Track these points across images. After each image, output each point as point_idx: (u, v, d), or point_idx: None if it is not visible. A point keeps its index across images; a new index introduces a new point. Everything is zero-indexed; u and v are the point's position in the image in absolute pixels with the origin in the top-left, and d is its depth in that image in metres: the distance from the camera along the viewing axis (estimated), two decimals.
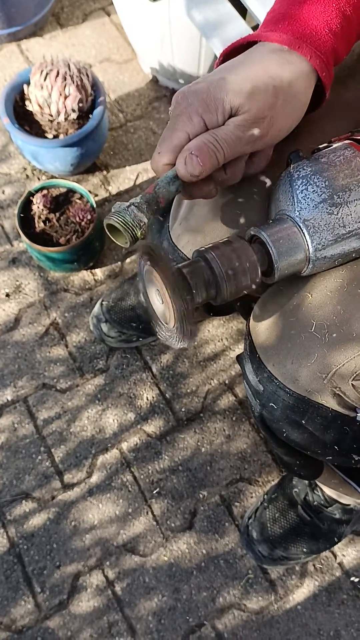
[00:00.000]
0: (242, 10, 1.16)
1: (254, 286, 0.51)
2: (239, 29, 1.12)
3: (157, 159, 0.53)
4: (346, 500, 1.00)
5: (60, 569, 1.08)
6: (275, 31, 0.53)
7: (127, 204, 0.51)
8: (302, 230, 0.50)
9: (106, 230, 0.52)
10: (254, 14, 1.05)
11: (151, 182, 1.43)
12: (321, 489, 1.03)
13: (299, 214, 0.50)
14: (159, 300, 0.49)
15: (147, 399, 1.21)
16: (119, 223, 0.50)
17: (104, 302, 1.21)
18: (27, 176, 1.42)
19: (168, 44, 1.36)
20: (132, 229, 0.50)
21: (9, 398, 1.21)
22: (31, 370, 1.23)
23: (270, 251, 0.50)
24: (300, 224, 0.50)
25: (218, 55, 0.59)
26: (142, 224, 0.50)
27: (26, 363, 1.24)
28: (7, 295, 1.30)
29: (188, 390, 1.22)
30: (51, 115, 1.23)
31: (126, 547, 1.10)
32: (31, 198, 1.23)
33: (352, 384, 0.53)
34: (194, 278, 0.48)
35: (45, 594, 1.06)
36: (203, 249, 0.50)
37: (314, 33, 0.52)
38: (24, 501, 1.13)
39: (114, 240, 0.52)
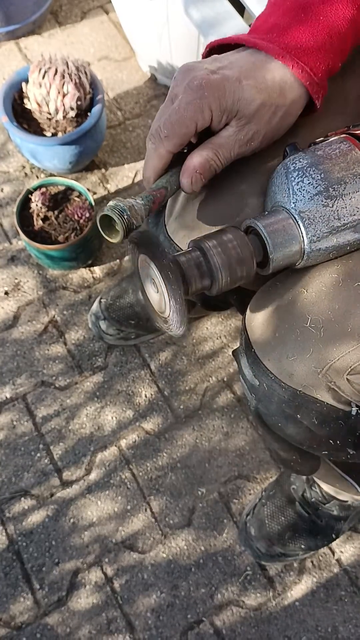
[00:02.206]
0: (240, 8, 1.16)
1: (249, 277, 0.51)
2: (237, 27, 1.12)
3: (164, 143, 0.55)
4: (344, 496, 1.00)
5: (59, 566, 1.08)
6: (279, 48, 0.55)
7: (127, 199, 0.52)
8: (297, 222, 0.50)
9: (98, 225, 0.53)
10: (251, 12, 1.06)
11: None
12: (319, 486, 1.03)
13: (295, 205, 0.51)
14: (154, 290, 0.49)
15: (146, 397, 1.22)
16: (115, 213, 0.50)
17: (102, 300, 1.21)
18: (26, 174, 1.43)
19: (166, 42, 1.36)
20: (128, 219, 0.50)
21: (8, 396, 1.21)
22: (30, 368, 1.24)
23: (266, 242, 0.50)
24: (296, 216, 0.50)
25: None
26: (134, 213, 0.51)
27: (25, 361, 1.24)
28: (6, 293, 1.30)
29: (186, 388, 1.22)
30: (49, 114, 1.23)
31: (125, 544, 1.10)
32: (30, 196, 1.23)
33: (347, 378, 0.54)
34: (189, 268, 0.49)
35: (44, 590, 1.07)
36: (199, 238, 0.50)
37: (311, 55, 0.55)
38: (22, 498, 1.13)
39: (105, 236, 0.53)
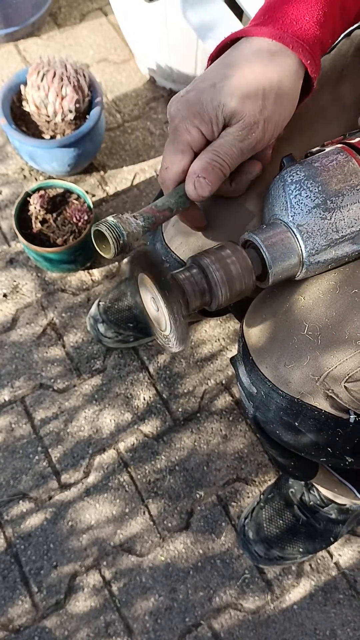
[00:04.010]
0: (238, 12, 1.16)
1: (248, 291, 0.51)
2: (235, 30, 1.12)
3: (165, 174, 0.55)
4: (342, 500, 1.01)
5: (57, 569, 1.09)
6: (258, 25, 0.53)
7: (121, 215, 0.51)
8: (295, 235, 0.51)
9: (92, 239, 0.52)
10: (249, 15, 1.06)
11: (148, 183, 1.43)
12: (317, 489, 1.03)
13: (293, 218, 0.51)
14: (154, 307, 0.49)
15: (144, 399, 1.22)
16: (108, 229, 0.50)
17: (100, 303, 1.22)
18: (25, 177, 1.42)
19: (165, 44, 1.36)
20: (118, 237, 0.50)
21: (6, 398, 1.21)
22: (28, 370, 1.24)
23: (264, 256, 0.51)
24: (294, 229, 0.51)
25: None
26: (130, 236, 0.50)
27: (23, 363, 1.24)
28: (5, 295, 1.30)
29: (185, 391, 1.23)
30: (48, 116, 1.23)
31: (123, 547, 1.10)
32: (28, 199, 1.23)
33: (344, 386, 0.54)
34: (189, 285, 0.49)
35: (42, 593, 1.07)
36: (197, 255, 0.50)
37: (297, 23, 0.52)
38: (21, 501, 1.13)
39: (99, 250, 0.52)
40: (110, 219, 0.50)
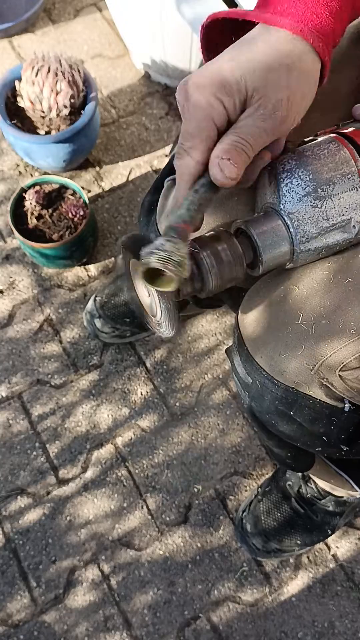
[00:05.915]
0: (233, 6, 1.16)
1: (239, 279, 0.51)
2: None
3: (186, 158, 0.50)
4: (339, 492, 1.01)
5: (56, 564, 1.09)
6: (276, 15, 0.49)
7: (158, 242, 0.44)
8: (286, 223, 0.51)
9: (143, 280, 0.44)
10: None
11: (144, 178, 1.43)
12: (314, 482, 1.04)
13: (284, 207, 0.51)
14: (146, 293, 0.50)
15: (142, 394, 1.22)
16: (161, 261, 0.43)
17: (97, 298, 1.22)
18: (20, 172, 1.42)
19: (159, 39, 1.36)
20: (179, 262, 0.43)
21: (4, 394, 1.21)
22: (25, 366, 1.24)
23: (256, 244, 0.51)
24: (285, 217, 0.51)
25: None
26: (184, 255, 0.44)
27: (20, 359, 1.24)
28: (1, 291, 1.30)
29: (182, 385, 1.23)
30: (43, 112, 1.23)
31: (121, 541, 1.10)
32: (24, 194, 1.23)
33: (339, 374, 0.54)
34: None
35: (41, 588, 1.07)
36: (189, 241, 0.50)
37: (317, 17, 0.49)
38: (19, 497, 1.13)
39: (157, 288, 0.45)
40: (158, 249, 0.43)
